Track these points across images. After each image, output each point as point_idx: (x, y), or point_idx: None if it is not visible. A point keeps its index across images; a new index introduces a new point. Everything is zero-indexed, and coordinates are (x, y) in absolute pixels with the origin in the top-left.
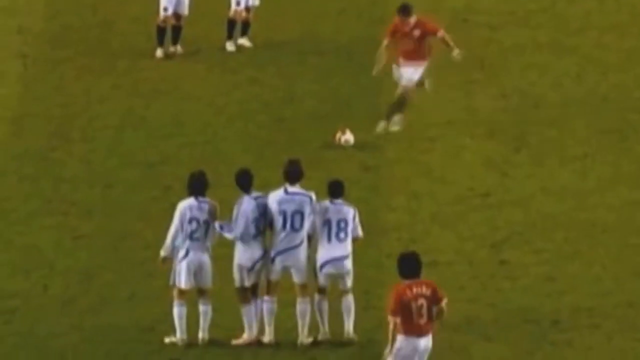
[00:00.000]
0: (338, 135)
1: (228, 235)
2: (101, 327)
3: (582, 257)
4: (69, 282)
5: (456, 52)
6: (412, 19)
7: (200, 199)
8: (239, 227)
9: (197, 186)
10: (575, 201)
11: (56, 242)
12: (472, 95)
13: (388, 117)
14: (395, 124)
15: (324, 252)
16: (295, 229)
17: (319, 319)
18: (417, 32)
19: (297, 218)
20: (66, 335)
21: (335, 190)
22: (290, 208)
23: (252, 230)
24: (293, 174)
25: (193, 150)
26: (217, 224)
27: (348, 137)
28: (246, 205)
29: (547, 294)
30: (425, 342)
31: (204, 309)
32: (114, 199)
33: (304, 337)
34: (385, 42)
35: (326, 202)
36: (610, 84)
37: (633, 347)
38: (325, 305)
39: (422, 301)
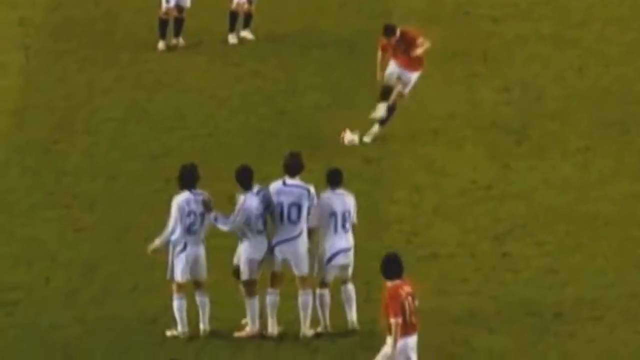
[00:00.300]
0: (342, 135)
1: (222, 227)
2: (104, 319)
3: (584, 249)
4: (71, 274)
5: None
6: (396, 35)
7: (195, 191)
8: (236, 221)
9: (190, 179)
10: (577, 194)
11: (59, 234)
12: (475, 88)
13: (382, 123)
14: (370, 135)
15: (332, 244)
16: (292, 221)
17: (320, 313)
18: (402, 46)
19: (294, 210)
20: (69, 327)
21: (335, 178)
22: (287, 200)
23: (259, 225)
24: (293, 167)
25: (195, 142)
26: (212, 215)
27: (352, 137)
28: (249, 202)
29: (549, 286)
30: (415, 339)
31: (202, 301)
32: (117, 191)
33: (307, 329)
34: (379, 53)
35: (328, 193)
36: (612, 76)
37: (635, 339)
38: (328, 299)
39: (410, 299)
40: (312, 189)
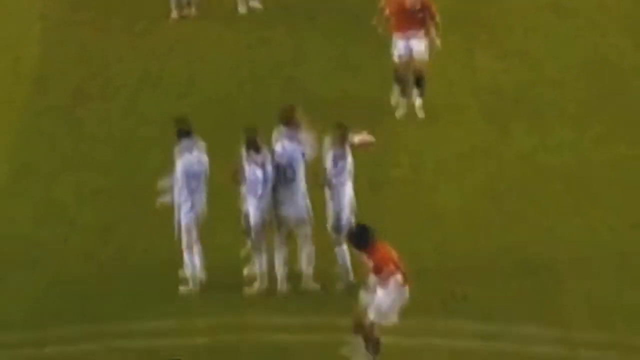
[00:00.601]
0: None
1: (252, 197)
2: (120, 275)
3: (580, 209)
4: (88, 235)
5: (437, 43)
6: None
7: (195, 154)
8: (263, 191)
9: (185, 127)
10: (574, 156)
11: (76, 197)
12: (474, 56)
13: (409, 97)
14: (420, 110)
15: (350, 195)
16: (288, 180)
17: (342, 269)
18: (421, 15)
19: (290, 170)
20: (87, 284)
21: (345, 134)
22: (283, 160)
23: (269, 187)
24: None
25: (207, 109)
26: (244, 189)
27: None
28: (269, 171)
29: (546, 244)
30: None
31: (197, 248)
32: (131, 156)
33: (310, 282)
34: (385, 14)
35: (348, 152)
36: (609, 45)
37: (629, 295)
38: (348, 253)
39: (393, 253)
40: (309, 150)
